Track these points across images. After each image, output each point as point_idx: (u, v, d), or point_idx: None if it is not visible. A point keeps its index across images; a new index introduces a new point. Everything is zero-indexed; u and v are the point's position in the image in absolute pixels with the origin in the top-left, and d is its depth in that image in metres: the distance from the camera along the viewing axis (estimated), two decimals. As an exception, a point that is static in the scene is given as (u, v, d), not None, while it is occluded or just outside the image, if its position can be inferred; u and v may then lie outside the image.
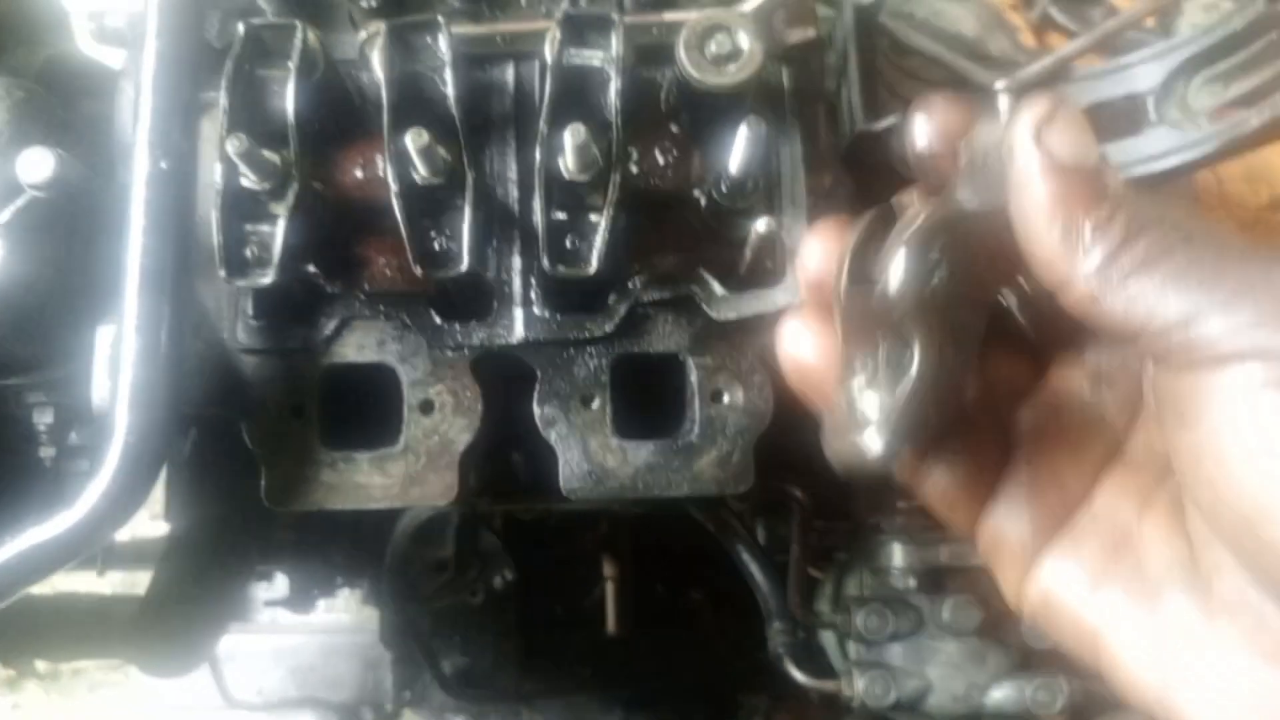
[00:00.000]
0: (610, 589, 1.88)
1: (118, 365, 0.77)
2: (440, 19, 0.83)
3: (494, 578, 1.32)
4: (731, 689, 2.30)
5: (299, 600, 1.49)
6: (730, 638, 2.09)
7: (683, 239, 0.91)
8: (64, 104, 0.92)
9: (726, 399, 0.90)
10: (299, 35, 0.83)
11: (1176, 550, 0.55)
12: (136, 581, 1.87)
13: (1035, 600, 0.60)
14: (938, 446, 0.62)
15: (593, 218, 0.84)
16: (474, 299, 0.91)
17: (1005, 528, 0.61)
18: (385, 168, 0.82)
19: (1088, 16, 1.34)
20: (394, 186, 0.80)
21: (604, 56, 0.83)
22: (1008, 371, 0.64)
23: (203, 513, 1.15)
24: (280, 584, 1.54)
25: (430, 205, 0.83)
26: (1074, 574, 0.58)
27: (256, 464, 1.04)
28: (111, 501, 0.76)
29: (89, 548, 0.78)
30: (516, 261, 0.91)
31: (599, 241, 0.82)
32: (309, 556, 1.32)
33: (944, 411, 0.57)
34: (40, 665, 2.22)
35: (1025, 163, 0.52)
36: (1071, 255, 0.51)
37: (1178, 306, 0.48)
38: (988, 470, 0.61)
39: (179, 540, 1.19)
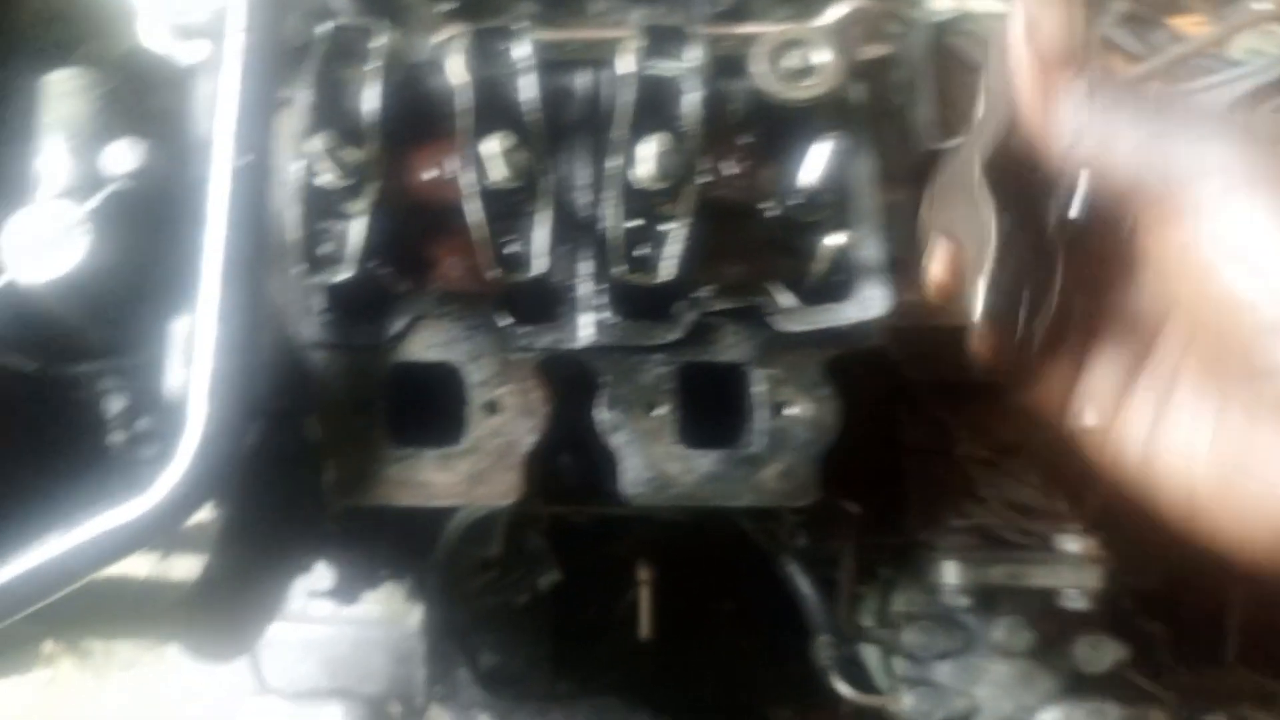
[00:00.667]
0: (644, 594, 1.87)
1: (193, 355, 0.79)
2: (522, 25, 0.84)
3: (539, 579, 1.32)
4: (759, 700, 2.29)
5: (343, 592, 1.50)
6: (761, 648, 2.08)
7: (751, 250, 0.92)
8: (142, 98, 0.94)
9: (792, 411, 0.90)
10: (382, 36, 0.84)
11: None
12: (182, 567, 1.90)
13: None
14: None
15: (665, 226, 0.84)
16: (541, 303, 0.91)
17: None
18: (460, 170, 0.83)
19: (1150, 40, 1.33)
20: (471, 190, 0.81)
21: (683, 67, 0.83)
22: None
23: (256, 503, 1.16)
24: (322, 574, 1.56)
25: (505, 209, 0.83)
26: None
27: (311, 457, 1.05)
28: (186, 489, 0.78)
29: (162, 534, 0.79)
30: (585, 267, 0.91)
31: (672, 250, 0.82)
32: (356, 549, 1.34)
33: (1030, 280, 0.68)
34: (80, 642, 2.25)
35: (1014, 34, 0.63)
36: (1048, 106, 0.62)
37: (1141, 141, 0.59)
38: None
39: (231, 528, 1.20)
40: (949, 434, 1.20)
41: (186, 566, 1.79)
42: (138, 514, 0.77)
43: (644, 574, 1.86)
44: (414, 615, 2.10)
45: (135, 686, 2.35)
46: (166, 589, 1.30)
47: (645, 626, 1.87)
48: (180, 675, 2.20)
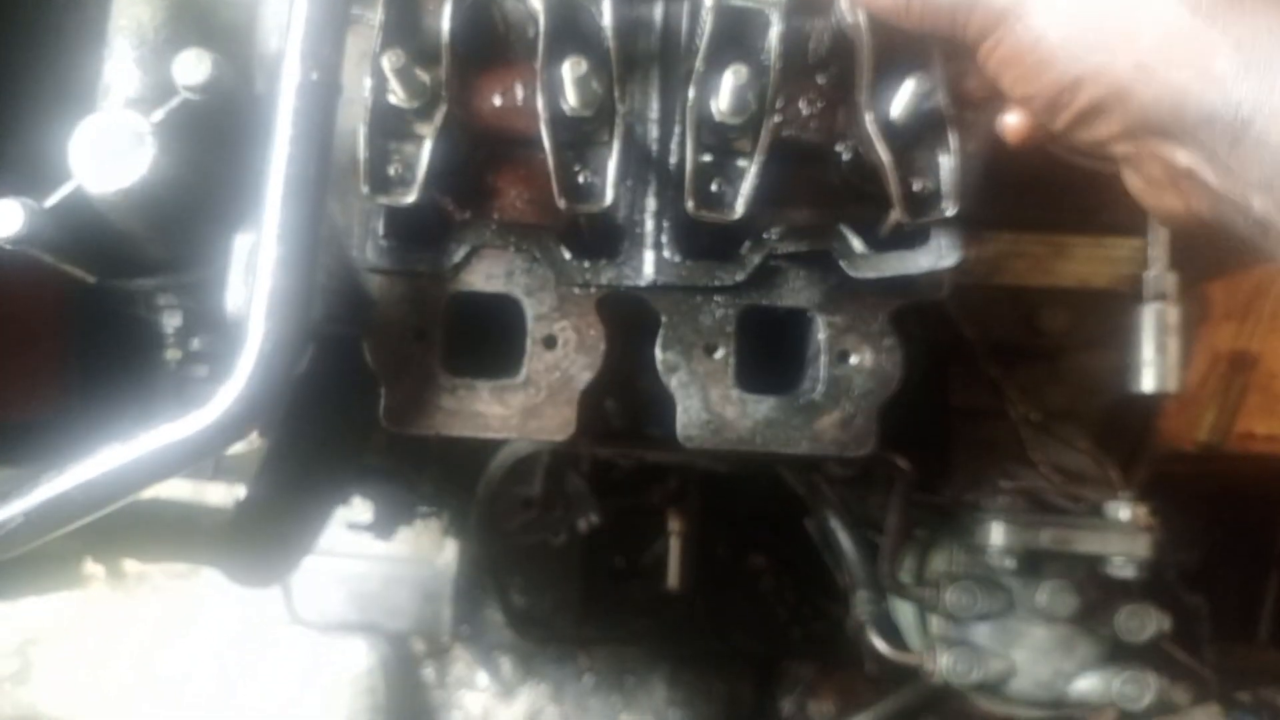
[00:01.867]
0: (674, 545, 1.88)
1: (255, 271, 0.78)
2: (601, -52, 0.81)
3: (578, 520, 1.32)
4: (780, 655, 2.30)
5: (382, 526, 1.51)
6: (787, 604, 2.09)
7: (821, 193, 0.89)
8: (210, 9, 0.92)
9: (854, 360, 0.89)
10: (457, -46, 0.81)
11: None
12: (218, 494, 1.92)
13: None
14: None
15: (739, 162, 0.82)
16: (604, 238, 0.90)
17: None
18: (536, 95, 0.81)
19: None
20: (544, 115, 0.79)
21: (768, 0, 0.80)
22: None
23: (302, 430, 1.17)
24: (360, 508, 1.56)
25: (577, 138, 0.81)
26: None
27: (357, 387, 1.04)
28: (244, 405, 0.77)
29: (220, 448, 0.79)
30: (650, 203, 0.90)
31: (746, 186, 0.80)
32: (397, 483, 1.34)
33: None
34: (116, 564, 2.29)
35: None
36: None
37: None
38: None
39: (275, 455, 1.20)
40: (1001, 395, 1.18)
41: (222, 493, 1.81)
42: (196, 428, 0.77)
43: (675, 524, 1.86)
44: (444, 555, 2.12)
45: (166, 610, 2.39)
46: (206, 513, 1.31)
47: (674, 576, 1.88)
48: (211, 601, 2.23)
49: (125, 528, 1.30)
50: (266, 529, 1.22)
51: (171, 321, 0.93)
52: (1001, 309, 1.23)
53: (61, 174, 0.81)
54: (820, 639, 2.11)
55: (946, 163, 0.81)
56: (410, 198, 0.80)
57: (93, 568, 2.10)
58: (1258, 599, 1.72)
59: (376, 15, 0.81)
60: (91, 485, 0.78)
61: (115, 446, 0.77)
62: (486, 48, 0.88)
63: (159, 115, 0.80)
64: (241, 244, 0.86)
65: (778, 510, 2.09)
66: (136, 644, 2.35)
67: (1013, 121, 0.80)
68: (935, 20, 0.74)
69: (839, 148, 0.88)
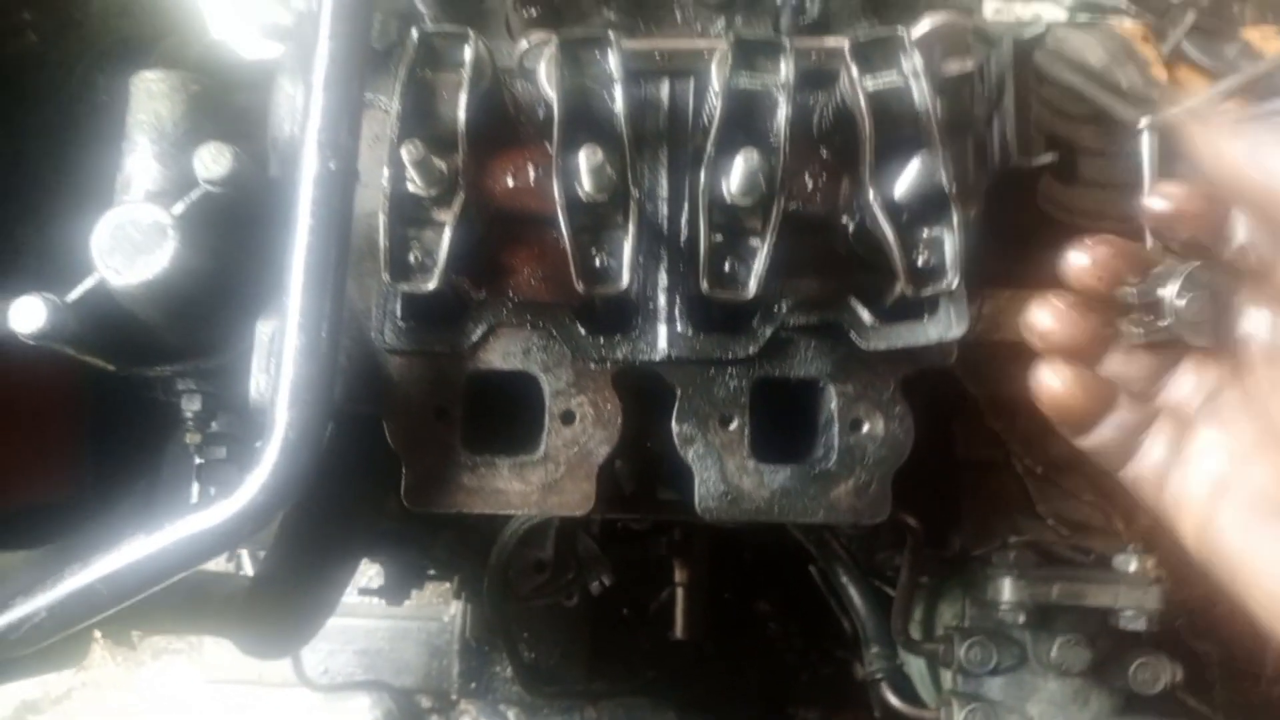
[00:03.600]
0: (680, 594, 1.88)
1: (277, 359, 0.79)
2: (612, 35, 0.84)
3: (590, 581, 1.33)
4: (787, 701, 2.30)
5: (393, 590, 1.51)
6: (794, 651, 2.09)
7: (829, 265, 0.91)
8: (224, 98, 0.94)
9: (866, 428, 0.90)
10: (471, 44, 0.84)
11: None
12: (217, 562, 1.91)
13: (1215, 548, 0.72)
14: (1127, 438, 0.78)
15: (751, 241, 0.83)
16: (618, 314, 0.91)
17: (1188, 486, 0.74)
18: (548, 176, 0.83)
19: (1223, 53, 1.32)
20: (561, 201, 0.81)
21: (772, 81, 0.82)
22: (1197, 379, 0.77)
23: (317, 500, 1.17)
24: (371, 574, 1.56)
25: (592, 221, 0.83)
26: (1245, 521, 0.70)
27: (373, 458, 1.05)
28: (270, 493, 0.78)
29: (246, 536, 0.79)
30: (662, 278, 0.91)
31: (758, 265, 0.82)
32: (410, 549, 1.34)
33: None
34: (123, 636, 2.27)
35: None
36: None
37: None
38: (1169, 455, 0.76)
39: (290, 526, 1.20)
40: (1005, 448, 1.20)
41: (221, 563, 1.80)
42: (224, 517, 0.78)
43: (681, 574, 1.87)
44: (450, 610, 2.11)
45: (167, 674, 2.37)
46: (219, 584, 1.31)
47: (681, 627, 1.88)
48: (214, 663, 2.21)
49: (138, 602, 1.30)
50: (282, 600, 1.22)
51: (191, 406, 0.94)
52: (1003, 364, 1.25)
53: (83, 268, 0.82)
54: (827, 684, 2.11)
55: (949, 237, 0.82)
56: (431, 284, 0.81)
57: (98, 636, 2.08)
58: (1262, 639, 1.72)
59: (392, 104, 0.83)
60: (116, 577, 0.78)
61: (140, 538, 0.77)
62: (498, 130, 0.90)
63: (180, 208, 0.81)
64: (263, 331, 0.87)
65: (782, 556, 2.10)
66: (137, 709, 2.32)
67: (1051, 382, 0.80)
68: None
69: (845, 219, 0.90)
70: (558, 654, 1.92)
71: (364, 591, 1.53)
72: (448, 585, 2.15)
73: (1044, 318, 0.80)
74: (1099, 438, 0.79)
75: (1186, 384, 0.77)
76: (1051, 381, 0.79)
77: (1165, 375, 0.78)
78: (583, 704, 2.21)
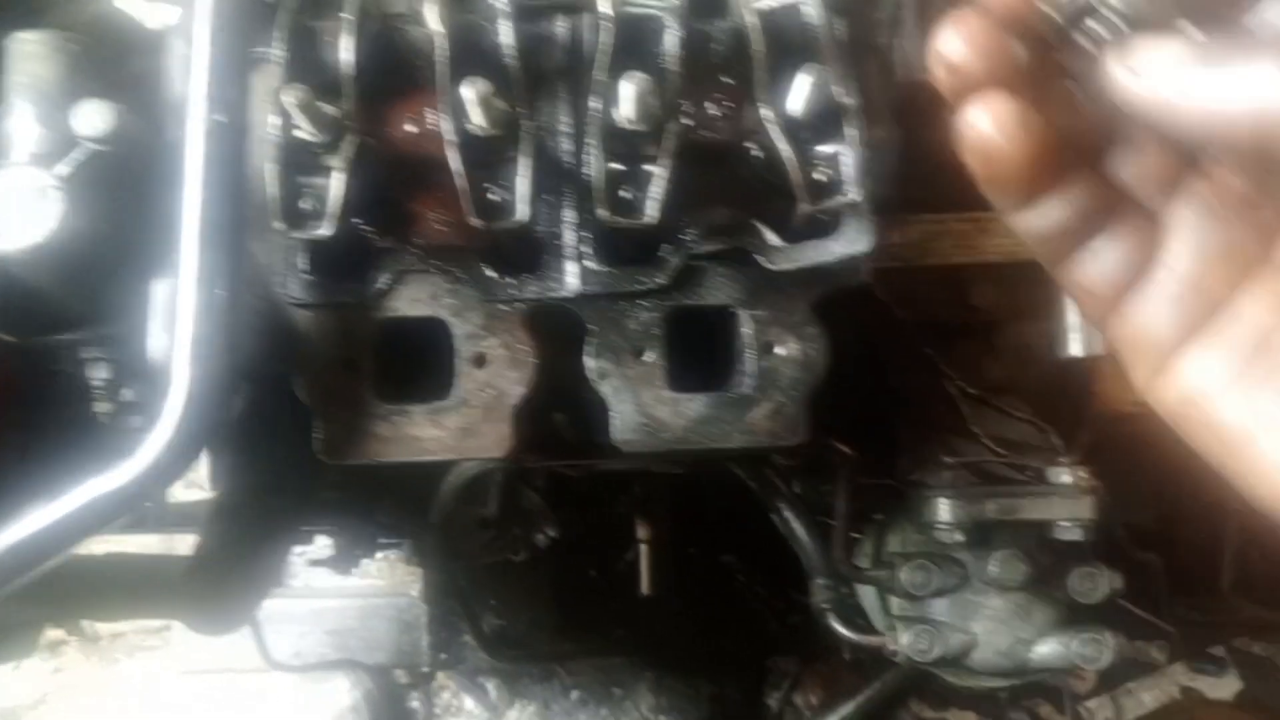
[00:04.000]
0: (645, 551, 1.89)
1: (174, 319, 0.78)
2: (495, -32, 0.82)
3: (536, 535, 1.33)
4: (762, 652, 2.32)
5: (342, 560, 1.50)
6: (762, 601, 2.10)
7: (735, 192, 0.91)
8: (113, 61, 0.92)
9: (780, 351, 0.90)
10: (353, -14, 0.82)
11: None
12: (175, 545, 1.90)
13: (1173, 399, 0.58)
14: (1082, 224, 0.58)
15: (648, 168, 0.83)
16: (525, 253, 0.91)
17: (1145, 322, 0.58)
18: (440, 119, 0.82)
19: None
20: (450, 138, 0.80)
21: (662, 6, 0.82)
22: (1159, 160, 0.59)
23: (248, 474, 1.16)
24: (321, 545, 1.56)
25: (485, 156, 0.82)
26: (1217, 374, 0.56)
27: (302, 424, 1.04)
28: (173, 453, 0.77)
29: (149, 498, 0.78)
30: (569, 215, 0.90)
31: (655, 190, 0.81)
32: (353, 516, 1.33)
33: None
34: (84, 627, 2.26)
35: None
36: None
37: None
38: (1133, 261, 0.59)
39: (225, 501, 1.20)
40: (939, 373, 1.20)
41: (185, 544, 1.79)
42: (124, 480, 0.77)
43: (643, 532, 1.87)
44: (417, 584, 2.11)
45: (143, 670, 2.36)
46: (160, 566, 1.30)
47: (646, 583, 1.89)
48: (188, 655, 2.20)
49: (80, 589, 1.29)
50: (224, 575, 1.21)
51: (98, 374, 0.92)
52: (933, 289, 1.25)
53: (-31, 236, 0.80)
54: (799, 632, 2.13)
55: (847, 151, 0.82)
56: (325, 230, 0.80)
57: (58, 634, 2.08)
58: (1218, 552, 1.75)
59: (276, 52, 0.81)
60: (19, 547, 0.77)
61: (42, 506, 0.77)
62: (393, 75, 0.88)
63: (64, 169, 0.80)
64: (159, 291, 0.86)
65: (745, 508, 2.11)
66: (114, 707, 2.31)
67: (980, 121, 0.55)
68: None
69: (749, 145, 0.89)
70: (524, 620, 1.93)
71: (313, 562, 1.53)
72: (403, 559, 2.16)
73: (953, 42, 0.56)
74: (1043, 216, 0.58)
75: (1148, 167, 0.59)
76: (982, 121, 0.55)
77: (1122, 150, 0.59)
78: (560, 669, 2.22)
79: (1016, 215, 0.60)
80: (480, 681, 2.33)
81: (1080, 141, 0.58)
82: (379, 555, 1.73)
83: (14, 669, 2.30)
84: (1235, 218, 0.57)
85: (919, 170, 0.99)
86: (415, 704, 2.30)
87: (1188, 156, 0.58)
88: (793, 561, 1.97)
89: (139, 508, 0.77)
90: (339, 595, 2.04)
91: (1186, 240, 0.58)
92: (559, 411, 1.23)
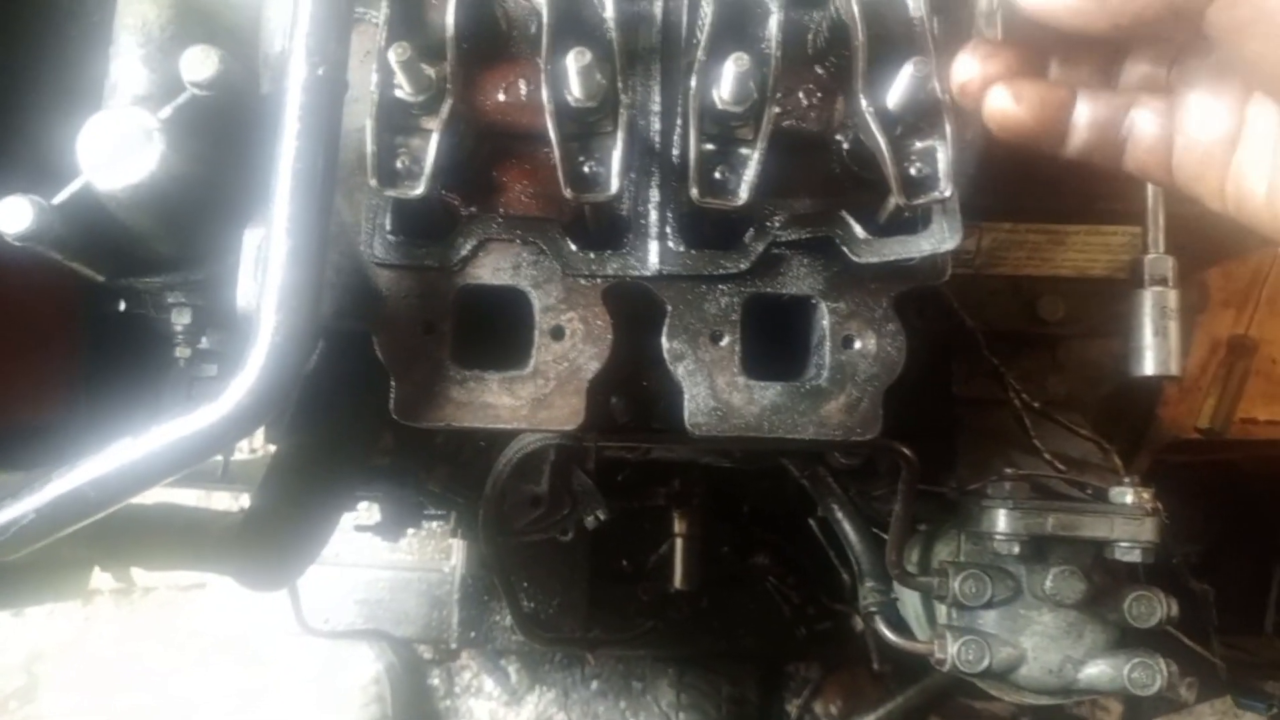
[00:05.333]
0: (679, 545, 1.88)
1: (264, 265, 0.78)
2: (601, -58, 0.82)
3: (585, 517, 1.33)
4: (786, 655, 2.31)
5: (389, 528, 1.51)
6: (793, 605, 2.09)
7: (821, 182, 0.91)
8: (215, 9, 0.93)
9: (858, 345, 0.90)
10: (461, -50, 0.83)
11: None
12: (223, 500, 1.92)
13: (1246, 205, 0.69)
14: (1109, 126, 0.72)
15: (742, 150, 0.83)
16: (609, 229, 0.91)
17: (1194, 152, 0.70)
18: (539, 90, 0.82)
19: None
20: (549, 106, 0.80)
21: (767, -12, 0.81)
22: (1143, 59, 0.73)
23: (310, 432, 1.17)
24: (368, 511, 1.57)
25: (581, 129, 0.82)
26: (1265, 166, 0.67)
27: (365, 385, 1.05)
28: (255, 398, 0.77)
29: (231, 441, 0.79)
30: (654, 194, 0.90)
31: (750, 173, 0.81)
32: (404, 484, 1.34)
33: None
34: (130, 575, 2.28)
35: None
36: None
37: None
38: (1163, 125, 0.71)
39: (284, 459, 1.21)
40: (1003, 384, 1.19)
41: (227, 500, 1.81)
42: (208, 422, 0.77)
43: (680, 525, 1.87)
44: (451, 561, 2.12)
45: (172, 624, 2.39)
46: (215, 519, 1.32)
47: (679, 578, 1.89)
48: (218, 613, 2.23)
49: (134, 535, 1.31)
50: (277, 532, 1.22)
51: (180, 319, 0.93)
52: (1001, 299, 1.24)
53: (69, 172, 0.82)
54: (825, 639, 2.12)
55: (942, 146, 0.81)
56: (418, 190, 0.81)
57: (98, 581, 2.10)
58: (1262, 590, 1.72)
59: (380, 12, 0.82)
60: (104, 481, 0.78)
61: (127, 441, 0.77)
62: (488, 44, 0.89)
63: (167, 112, 0.81)
64: (251, 238, 0.87)
65: (781, 510, 2.10)
66: (143, 658, 2.34)
67: (998, 103, 0.72)
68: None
69: (839, 137, 0.89)
70: (556, 604, 1.93)
71: (359, 528, 1.54)
72: (448, 540, 2.17)
73: (969, 66, 0.74)
74: (1079, 140, 0.73)
75: (1143, 63, 0.73)
76: (1003, 102, 0.73)
77: (1115, 64, 0.74)
78: (581, 657, 2.22)
79: (1058, 152, 0.74)
80: (502, 665, 2.34)
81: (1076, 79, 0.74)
82: (424, 526, 1.74)
83: (48, 613, 2.34)
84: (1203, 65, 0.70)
85: (996, 178, 0.99)
86: (435, 681, 2.32)
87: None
88: (824, 568, 1.97)
89: (220, 449, 0.77)
90: (370, 566, 2.06)
91: (1194, 87, 0.70)
92: (616, 395, 1.23)
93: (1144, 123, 0.72)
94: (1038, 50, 0.75)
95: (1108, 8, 0.65)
